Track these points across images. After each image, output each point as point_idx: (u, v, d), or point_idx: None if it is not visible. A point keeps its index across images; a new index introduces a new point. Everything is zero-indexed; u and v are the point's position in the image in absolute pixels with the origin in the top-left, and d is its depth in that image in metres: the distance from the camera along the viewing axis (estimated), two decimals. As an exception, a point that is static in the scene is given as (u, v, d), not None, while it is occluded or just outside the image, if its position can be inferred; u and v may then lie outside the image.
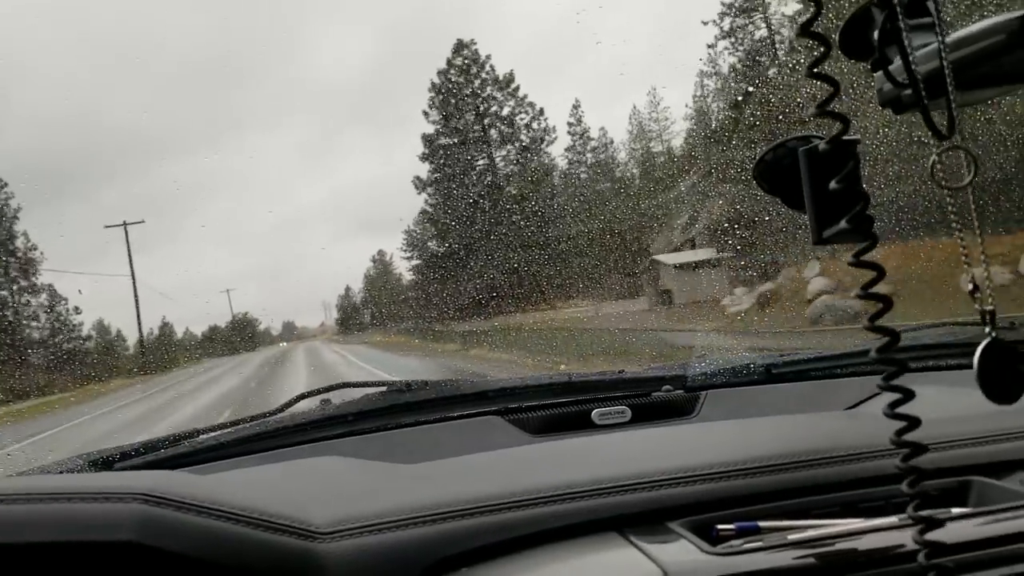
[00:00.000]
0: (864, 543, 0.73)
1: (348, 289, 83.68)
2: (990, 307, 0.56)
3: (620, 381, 1.53)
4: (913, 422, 0.57)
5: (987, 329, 0.56)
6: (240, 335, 71.60)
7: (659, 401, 1.48)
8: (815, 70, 0.56)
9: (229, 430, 1.41)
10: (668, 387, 1.51)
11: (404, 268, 60.92)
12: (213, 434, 1.40)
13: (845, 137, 0.60)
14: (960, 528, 0.73)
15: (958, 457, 0.90)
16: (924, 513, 0.59)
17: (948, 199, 0.56)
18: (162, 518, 0.71)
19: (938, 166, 0.55)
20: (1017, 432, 0.95)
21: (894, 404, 0.57)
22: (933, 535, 0.58)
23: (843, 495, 0.85)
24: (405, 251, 57.87)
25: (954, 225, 0.57)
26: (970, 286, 0.56)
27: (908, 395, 0.57)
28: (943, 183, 0.56)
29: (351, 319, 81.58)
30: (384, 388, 1.54)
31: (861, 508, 0.83)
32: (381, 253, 73.02)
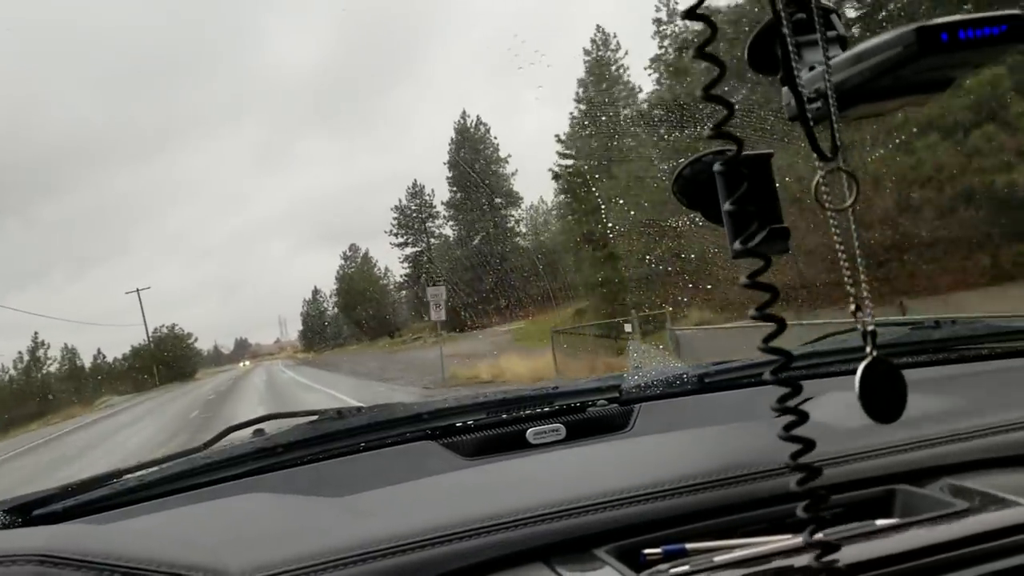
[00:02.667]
0: (793, 561, 0.72)
1: (316, 293, 73.59)
2: (871, 327, 0.57)
3: (554, 396, 1.52)
4: (808, 444, 0.57)
5: (868, 348, 0.57)
6: (164, 358, 59.52)
7: (593, 416, 1.47)
8: (711, 92, 0.56)
9: (154, 469, 1.36)
10: (603, 400, 1.51)
11: (395, 258, 57.43)
12: (138, 473, 1.35)
13: (758, 152, 0.61)
14: (873, 545, 0.73)
15: (881, 466, 0.91)
16: (821, 537, 0.59)
17: (831, 219, 0.57)
18: None
19: (823, 187, 0.56)
20: (937, 438, 0.97)
21: (789, 426, 0.57)
22: (833, 556, 0.58)
23: (772, 510, 0.85)
24: (398, 234, 54.76)
25: (837, 245, 0.57)
26: (852, 306, 0.57)
27: (796, 388, 0.57)
28: (827, 204, 0.56)
29: (318, 331, 71.70)
30: (315, 417, 1.51)
31: (789, 523, 0.82)
32: (354, 248, 65.64)
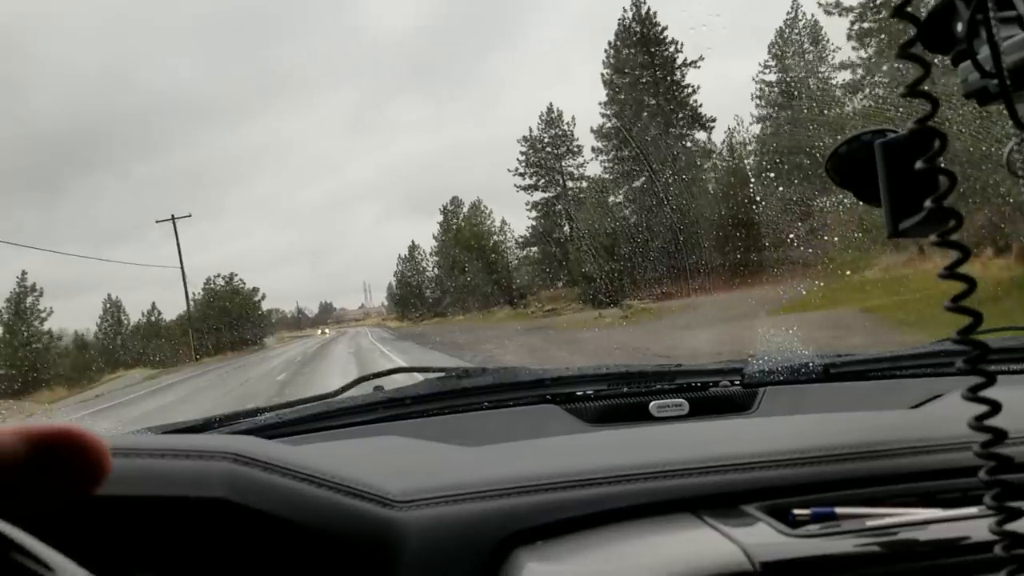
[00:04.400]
0: (943, 531, 0.73)
1: (414, 250, 59.42)
2: None
3: (677, 373, 1.53)
4: (994, 406, 0.56)
5: None
6: (218, 318, 47.41)
7: (717, 395, 1.48)
8: (908, 51, 0.56)
9: (290, 409, 1.45)
10: (726, 382, 1.51)
11: (521, 204, 44.67)
12: (275, 412, 1.43)
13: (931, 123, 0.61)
14: None
15: None
16: (1004, 504, 0.58)
17: (1023, 188, 0.56)
18: (250, 477, 0.74)
19: (1016, 155, 0.56)
20: None
21: (975, 388, 0.56)
22: (1012, 526, 0.58)
23: (918, 485, 0.85)
24: (526, 173, 43.31)
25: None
26: None
27: (990, 379, 0.56)
28: (1019, 173, 0.56)
29: (415, 296, 58.68)
30: (442, 374, 1.57)
31: (937, 499, 0.82)
32: (456, 202, 53.37)
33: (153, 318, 50.39)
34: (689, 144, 37.14)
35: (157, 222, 44.00)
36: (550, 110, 45.59)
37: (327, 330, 72.29)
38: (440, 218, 55.13)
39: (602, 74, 40.42)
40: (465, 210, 53.65)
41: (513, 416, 1.44)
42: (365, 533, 0.76)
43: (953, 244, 0.57)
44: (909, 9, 0.54)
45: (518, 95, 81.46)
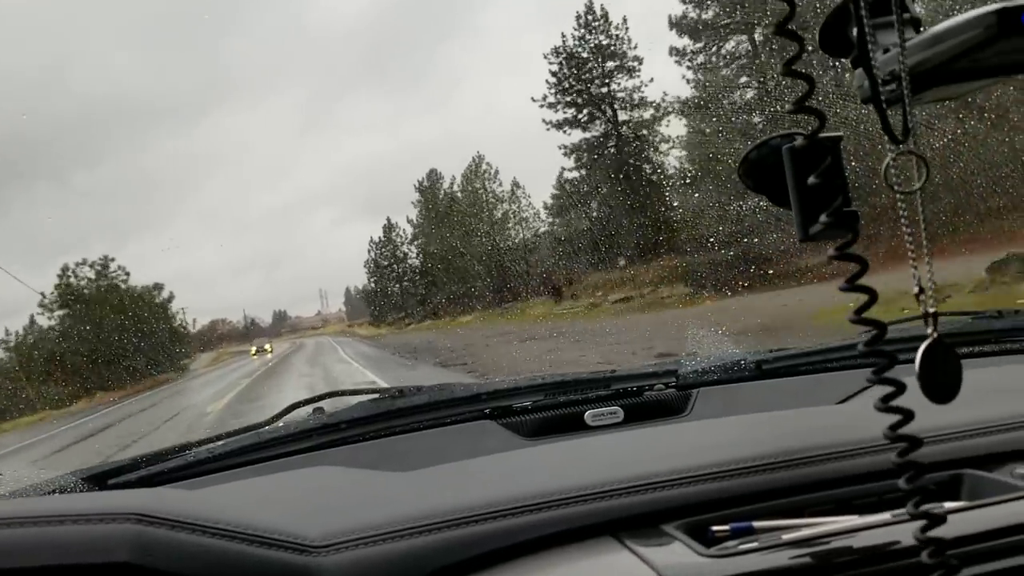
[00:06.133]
0: (859, 540, 0.73)
1: (391, 230, 45.82)
2: (933, 309, 0.57)
3: (612, 379, 1.53)
4: (907, 415, 0.57)
5: (929, 330, 0.57)
6: (89, 342, 28.49)
7: (651, 400, 1.48)
8: (791, 67, 0.56)
9: (221, 443, 1.41)
10: (660, 385, 1.51)
11: (554, 147, 34.22)
12: (207, 446, 1.40)
13: (826, 134, 0.61)
14: (957, 522, 0.73)
15: (948, 451, 0.90)
16: (925, 508, 0.58)
17: (899, 202, 0.57)
18: (156, 538, 0.71)
19: (892, 169, 0.56)
20: (1005, 424, 0.96)
21: (886, 398, 0.57)
22: (935, 531, 0.58)
23: (837, 492, 0.86)
24: (558, 103, 30.99)
25: (903, 228, 0.58)
26: (916, 288, 0.57)
27: (900, 388, 0.57)
28: (895, 186, 0.56)
29: (390, 294, 46.02)
30: (377, 395, 1.55)
31: (855, 505, 0.84)
32: (435, 174, 42.08)
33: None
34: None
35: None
36: (589, 9, 32.34)
37: (268, 346, 47.71)
38: (416, 198, 42.82)
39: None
40: (455, 178, 40.61)
41: (449, 435, 1.43)
42: None
43: (851, 257, 0.57)
44: (792, 27, 0.55)
45: (477, 87, 78.49)
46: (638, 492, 0.85)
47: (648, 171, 30.89)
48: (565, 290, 30.28)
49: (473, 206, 38.32)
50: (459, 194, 40.55)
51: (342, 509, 0.90)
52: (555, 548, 0.80)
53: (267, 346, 47.62)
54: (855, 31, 0.60)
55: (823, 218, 0.59)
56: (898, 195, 0.56)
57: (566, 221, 34.22)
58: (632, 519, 0.83)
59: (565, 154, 33.79)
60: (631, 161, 31.11)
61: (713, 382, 1.51)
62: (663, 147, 31.76)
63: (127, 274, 36.71)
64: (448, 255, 36.89)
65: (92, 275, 35.58)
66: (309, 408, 1.56)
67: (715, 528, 0.79)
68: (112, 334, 30.50)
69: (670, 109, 29.97)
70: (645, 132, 32.16)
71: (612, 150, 32.79)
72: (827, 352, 1.53)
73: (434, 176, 42.88)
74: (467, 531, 0.81)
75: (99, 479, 1.31)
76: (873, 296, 0.57)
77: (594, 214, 31.89)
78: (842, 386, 1.35)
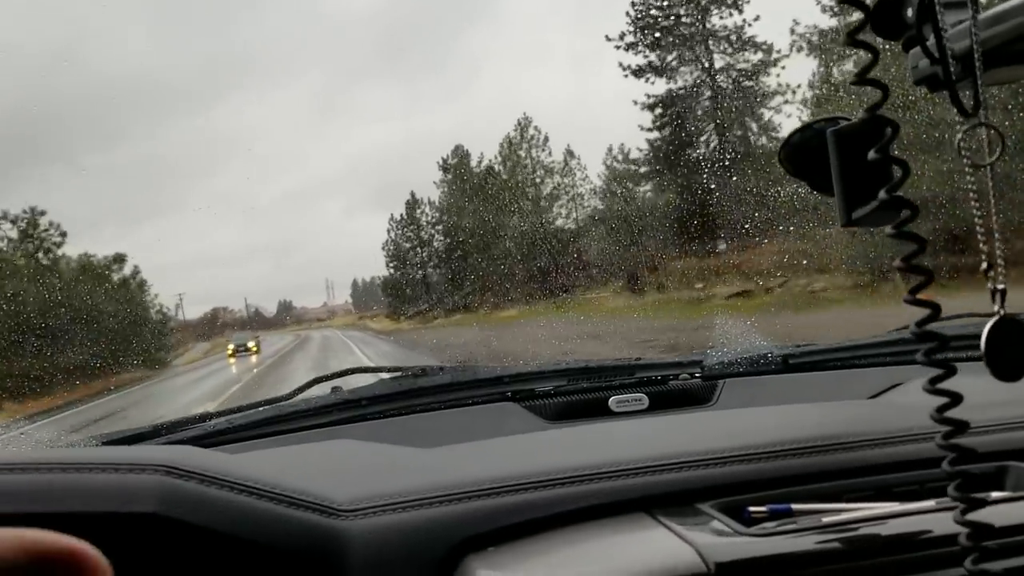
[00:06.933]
0: (900, 526, 0.72)
1: (414, 206, 39.08)
2: (1001, 286, 0.56)
3: (636, 367, 1.53)
4: (955, 398, 0.56)
5: (996, 307, 0.56)
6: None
7: (676, 389, 1.47)
8: (855, 37, 0.55)
9: (241, 414, 1.42)
10: (685, 375, 1.51)
11: (627, 102, 27.11)
12: (225, 417, 1.40)
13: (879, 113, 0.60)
14: (1001, 511, 0.72)
15: (995, 442, 0.89)
16: (967, 494, 0.58)
17: (969, 178, 0.56)
18: (184, 490, 0.71)
19: (963, 143, 0.55)
20: None
21: (934, 379, 0.56)
22: (975, 516, 0.58)
23: (875, 479, 0.85)
24: (638, 44, 24.91)
25: (973, 203, 0.57)
26: (984, 265, 0.56)
27: (950, 370, 0.56)
28: (968, 161, 0.55)
29: (412, 281, 38.53)
30: (398, 373, 1.55)
31: (894, 492, 0.83)
32: (460, 149, 36.14)
33: None
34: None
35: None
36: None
37: (253, 343, 33.89)
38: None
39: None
40: (483, 155, 33.93)
41: (471, 415, 1.42)
42: (309, 545, 0.73)
43: (909, 235, 0.56)
44: None
45: (498, 78, 74.97)
46: (670, 470, 0.84)
47: (756, 129, 25.22)
48: (647, 279, 22.22)
49: (514, 177, 31.89)
50: (497, 167, 34.10)
51: (367, 477, 0.90)
52: (587, 522, 0.79)
53: (251, 343, 32.67)
54: (913, 11, 0.59)
55: (880, 197, 0.58)
56: (969, 170, 0.55)
57: (641, 193, 27.44)
58: (665, 496, 0.82)
59: (643, 109, 27.26)
60: (731, 117, 25.16)
61: (739, 374, 1.50)
62: (775, 101, 25.19)
63: (63, 235, 26.03)
64: (483, 236, 29.80)
65: (15, 235, 25.34)
66: (328, 385, 1.56)
67: (752, 509, 0.78)
68: (39, 317, 19.90)
69: (791, 49, 23.55)
70: (751, 83, 25.66)
71: (707, 103, 26.13)
72: (855, 348, 1.52)
73: (460, 151, 36.86)
74: (497, 501, 0.80)
75: (120, 443, 1.32)
76: (929, 276, 0.56)
77: (677, 185, 24.71)
78: (872, 382, 1.34)
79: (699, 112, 26.39)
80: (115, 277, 27.03)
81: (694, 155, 25.02)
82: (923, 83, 0.60)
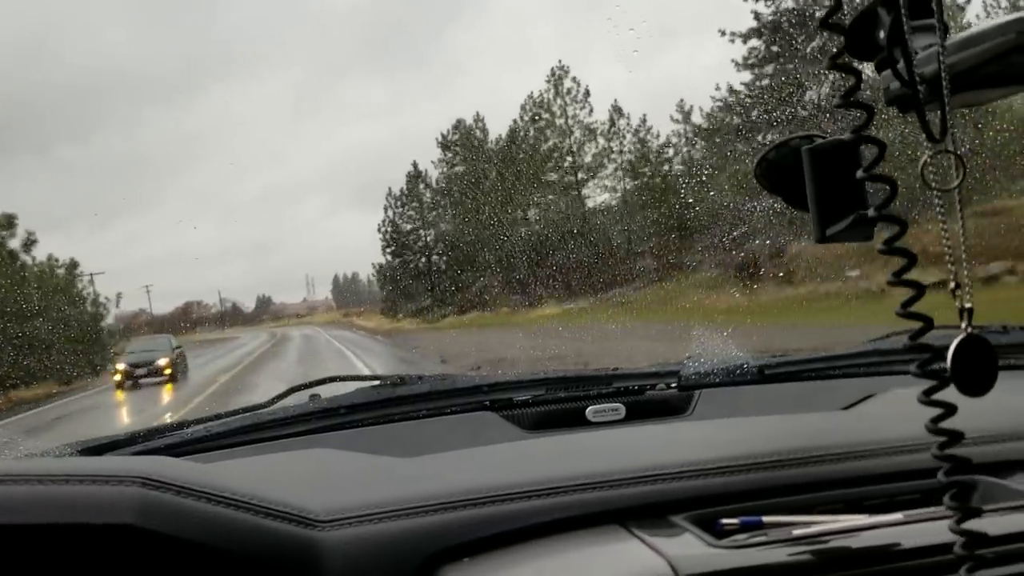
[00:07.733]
0: (871, 539, 0.73)
1: (417, 178, 32.06)
2: (968, 304, 0.57)
3: (614, 377, 1.53)
4: (949, 409, 0.57)
5: (963, 325, 0.57)
6: None
7: (653, 399, 1.48)
8: (838, 61, 0.57)
9: (219, 422, 1.41)
10: (662, 385, 1.52)
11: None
12: (203, 425, 1.40)
13: (838, 137, 0.62)
14: (992, 522, 0.72)
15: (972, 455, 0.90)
16: (963, 504, 0.58)
17: (936, 200, 0.57)
18: (161, 502, 0.71)
19: (929, 167, 0.57)
20: (1022, 432, 0.96)
21: (929, 391, 0.57)
22: (969, 525, 0.58)
23: (846, 492, 0.86)
24: None
25: (940, 225, 0.58)
26: (952, 284, 0.57)
27: (944, 382, 0.57)
28: (933, 184, 0.57)
29: (415, 270, 31.62)
30: (376, 382, 1.55)
31: (865, 505, 0.84)
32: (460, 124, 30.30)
33: None
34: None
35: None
36: None
37: (166, 360, 18.67)
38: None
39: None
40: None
41: (449, 424, 1.42)
42: (285, 555, 0.74)
43: (899, 251, 0.57)
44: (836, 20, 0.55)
45: (480, 75, 74.98)
46: (645, 483, 0.85)
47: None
48: (759, 269, 16.66)
49: (543, 142, 25.09)
50: (521, 132, 27.85)
51: (344, 487, 0.90)
52: (561, 534, 0.80)
53: (162, 360, 19.05)
54: (884, 33, 0.60)
55: (869, 215, 0.60)
56: (935, 193, 0.57)
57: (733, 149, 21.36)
58: (639, 509, 0.83)
59: (731, 40, 22.74)
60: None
61: (715, 384, 1.51)
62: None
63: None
64: (505, 214, 24.05)
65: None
66: (306, 393, 1.55)
67: (724, 521, 0.79)
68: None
69: None
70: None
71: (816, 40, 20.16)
72: (830, 359, 1.54)
73: (462, 127, 31.35)
74: (472, 513, 0.80)
75: (96, 451, 1.31)
76: (921, 290, 0.57)
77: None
78: (846, 393, 1.35)
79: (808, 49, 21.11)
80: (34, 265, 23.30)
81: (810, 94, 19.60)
82: (894, 104, 0.61)
